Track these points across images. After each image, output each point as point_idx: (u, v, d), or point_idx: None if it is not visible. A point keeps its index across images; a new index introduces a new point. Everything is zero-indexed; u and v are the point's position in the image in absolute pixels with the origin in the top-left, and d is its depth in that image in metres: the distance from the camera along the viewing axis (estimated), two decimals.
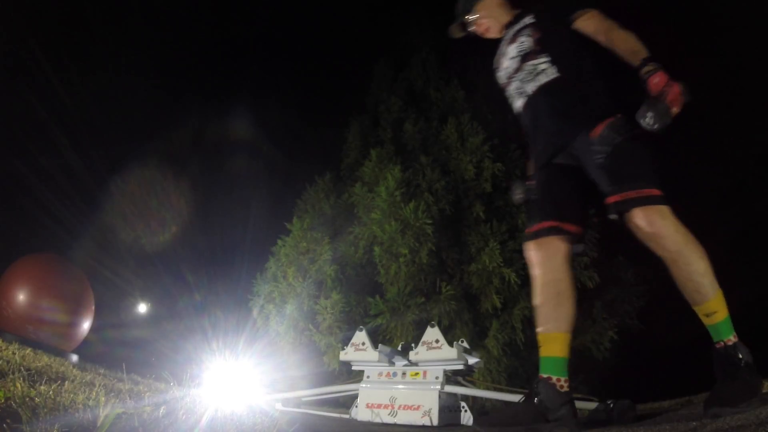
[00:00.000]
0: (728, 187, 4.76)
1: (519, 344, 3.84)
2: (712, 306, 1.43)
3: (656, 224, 1.39)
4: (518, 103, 1.82)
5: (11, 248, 4.97)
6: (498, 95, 1.98)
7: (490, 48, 2.01)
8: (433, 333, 2.43)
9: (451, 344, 2.35)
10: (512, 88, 1.83)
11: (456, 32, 2.07)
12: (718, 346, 1.43)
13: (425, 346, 2.40)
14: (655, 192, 1.42)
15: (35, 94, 5.35)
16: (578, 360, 4.18)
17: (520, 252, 4.05)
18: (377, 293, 4.08)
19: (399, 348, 2.64)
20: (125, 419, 0.83)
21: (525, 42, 1.77)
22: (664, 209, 1.41)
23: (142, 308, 7.98)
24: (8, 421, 0.78)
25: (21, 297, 4.18)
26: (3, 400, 0.84)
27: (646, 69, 1.45)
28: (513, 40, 1.84)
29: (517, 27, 1.84)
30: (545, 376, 1.47)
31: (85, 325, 4.72)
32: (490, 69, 2.02)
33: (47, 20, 5.98)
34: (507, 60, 1.85)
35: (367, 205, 4.57)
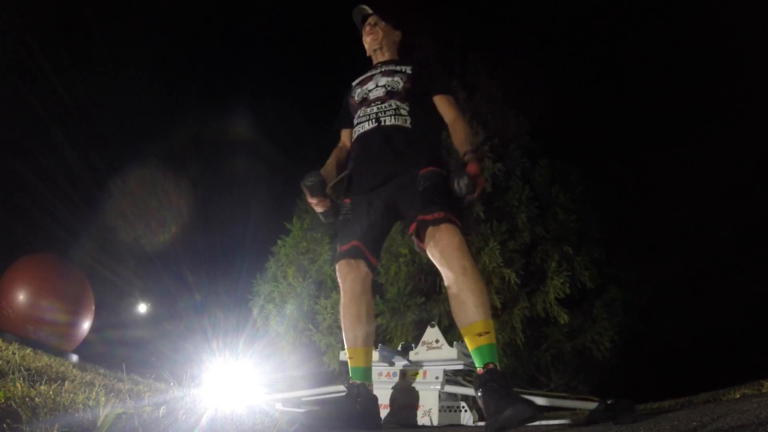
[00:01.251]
0: (728, 187, 4.76)
1: (519, 344, 3.84)
2: (488, 326, 1.55)
3: (457, 239, 1.65)
4: (367, 126, 1.95)
5: (11, 248, 4.96)
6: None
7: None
8: (433, 333, 2.42)
9: (451, 344, 2.34)
10: (368, 110, 1.97)
11: (356, 17, 2.24)
12: (488, 367, 1.48)
13: (425, 346, 2.40)
14: (459, 223, 1.70)
15: (35, 94, 5.35)
16: (578, 360, 4.18)
17: (520, 252, 4.05)
18: (377, 293, 4.08)
19: (399, 348, 2.63)
20: (125, 419, 0.83)
21: (398, 83, 1.98)
22: (462, 237, 1.67)
23: (142, 308, 7.98)
24: (8, 421, 0.77)
25: (21, 297, 4.18)
26: (3, 400, 0.84)
27: (469, 156, 1.76)
28: (387, 74, 2.02)
29: (395, 67, 2.04)
30: (358, 382, 1.76)
31: (85, 325, 4.72)
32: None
33: (47, 20, 5.98)
34: (373, 84, 2.03)
35: None
